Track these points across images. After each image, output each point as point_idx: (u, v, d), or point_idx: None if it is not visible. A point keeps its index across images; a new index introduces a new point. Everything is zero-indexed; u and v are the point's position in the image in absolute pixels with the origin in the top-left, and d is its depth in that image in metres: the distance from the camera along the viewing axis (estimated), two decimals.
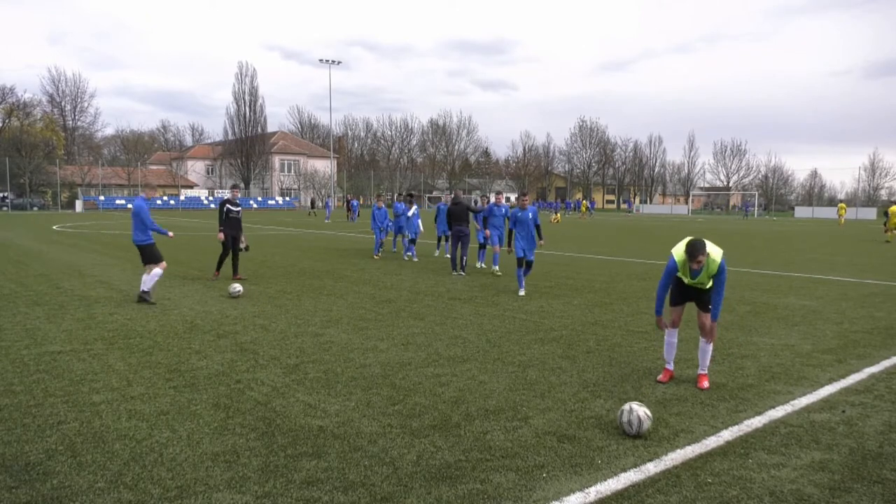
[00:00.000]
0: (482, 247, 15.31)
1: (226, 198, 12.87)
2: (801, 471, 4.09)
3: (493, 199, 14.79)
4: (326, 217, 46.20)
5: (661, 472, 4.04)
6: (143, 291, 9.98)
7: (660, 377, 6.04)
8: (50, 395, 5.39)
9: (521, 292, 11.18)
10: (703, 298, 5.91)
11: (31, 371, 6.12)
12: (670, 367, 6.12)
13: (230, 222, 12.56)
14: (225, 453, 4.24)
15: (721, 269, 5.61)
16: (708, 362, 5.99)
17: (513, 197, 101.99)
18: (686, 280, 5.84)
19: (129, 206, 11.32)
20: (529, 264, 11.33)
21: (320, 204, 66.63)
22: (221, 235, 12.46)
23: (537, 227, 11.51)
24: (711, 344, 5.95)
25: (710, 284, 5.82)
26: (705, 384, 5.84)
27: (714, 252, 5.58)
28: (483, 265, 15.31)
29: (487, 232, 14.18)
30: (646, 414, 4.61)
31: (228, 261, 12.74)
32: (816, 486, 3.88)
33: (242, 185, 79.02)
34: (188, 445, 4.36)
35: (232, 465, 4.05)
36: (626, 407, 4.69)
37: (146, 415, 4.95)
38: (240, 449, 4.32)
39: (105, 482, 3.80)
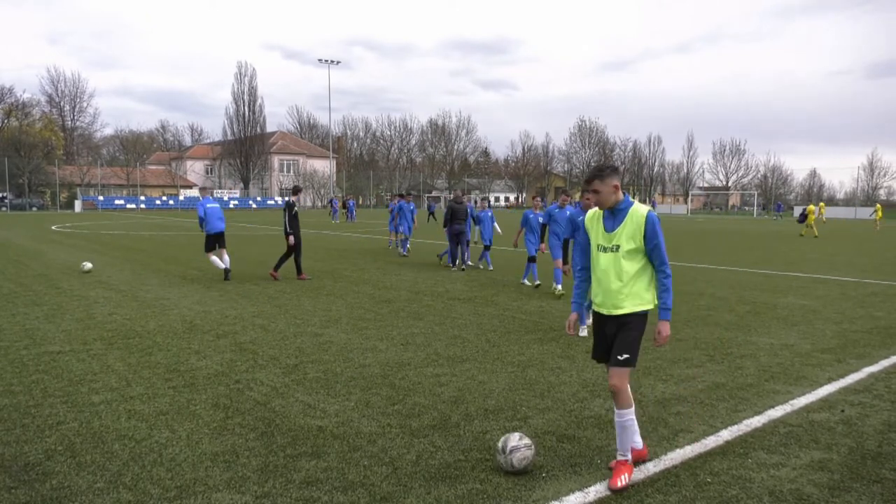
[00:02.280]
0: (532, 260, 12.35)
1: (291, 200, 13.08)
2: (800, 470, 4.09)
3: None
4: (334, 217, 45.88)
5: (661, 472, 4.04)
6: (227, 269, 12.70)
7: (618, 483, 3.79)
8: (49, 396, 5.38)
9: (584, 331, 7.86)
10: (617, 338, 3.93)
11: (30, 371, 6.11)
12: (624, 455, 3.96)
13: (296, 223, 12.88)
14: (224, 453, 4.24)
15: (651, 221, 3.82)
16: (630, 441, 3.95)
17: (512, 197, 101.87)
18: (600, 241, 3.99)
19: (216, 207, 12.34)
20: None
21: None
22: (291, 239, 12.68)
23: None
24: (631, 409, 3.93)
25: (631, 255, 3.88)
26: (620, 482, 3.77)
27: (639, 204, 3.95)
28: (526, 282, 12.56)
29: (544, 245, 11.39)
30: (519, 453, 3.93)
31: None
32: (816, 485, 3.88)
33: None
34: (187, 445, 4.35)
35: (231, 465, 4.05)
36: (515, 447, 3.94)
37: (145, 415, 4.94)
38: (239, 449, 4.32)
39: (104, 482, 3.79)
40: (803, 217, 33.17)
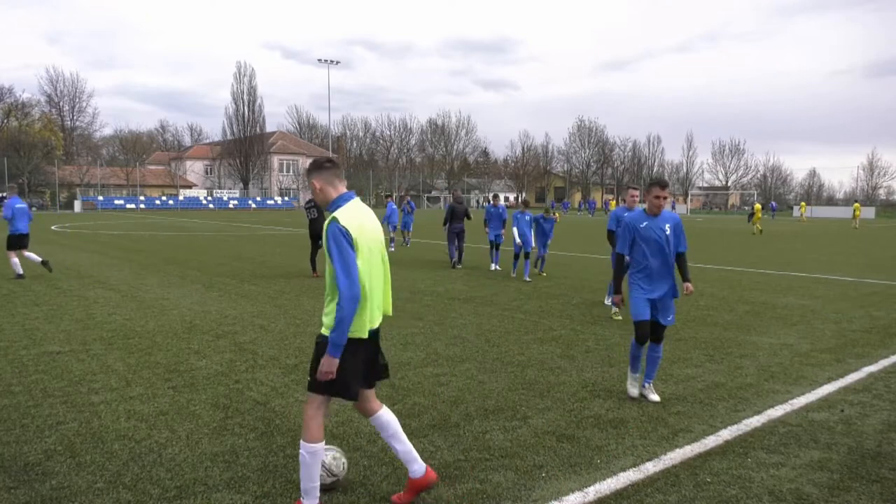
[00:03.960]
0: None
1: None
2: (799, 470, 4.09)
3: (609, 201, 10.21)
4: None
5: (660, 472, 4.04)
6: (45, 262, 12.82)
7: None
8: (49, 396, 5.38)
9: (649, 393, 5.49)
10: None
11: (29, 372, 6.11)
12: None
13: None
14: (224, 453, 4.24)
15: (329, 234, 3.23)
16: (307, 480, 3.34)
17: (511, 197, 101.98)
18: None
19: (25, 206, 12.16)
20: (660, 332, 5.51)
21: None
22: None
23: (680, 255, 5.55)
24: (314, 445, 3.33)
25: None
26: None
27: (342, 210, 3.33)
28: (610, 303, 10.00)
29: (618, 298, 8.11)
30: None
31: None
32: (815, 485, 3.88)
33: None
34: (187, 446, 4.36)
35: (231, 466, 4.05)
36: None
37: (145, 415, 4.94)
38: (239, 449, 4.32)
39: (104, 482, 3.80)
40: (751, 216, 34.09)
